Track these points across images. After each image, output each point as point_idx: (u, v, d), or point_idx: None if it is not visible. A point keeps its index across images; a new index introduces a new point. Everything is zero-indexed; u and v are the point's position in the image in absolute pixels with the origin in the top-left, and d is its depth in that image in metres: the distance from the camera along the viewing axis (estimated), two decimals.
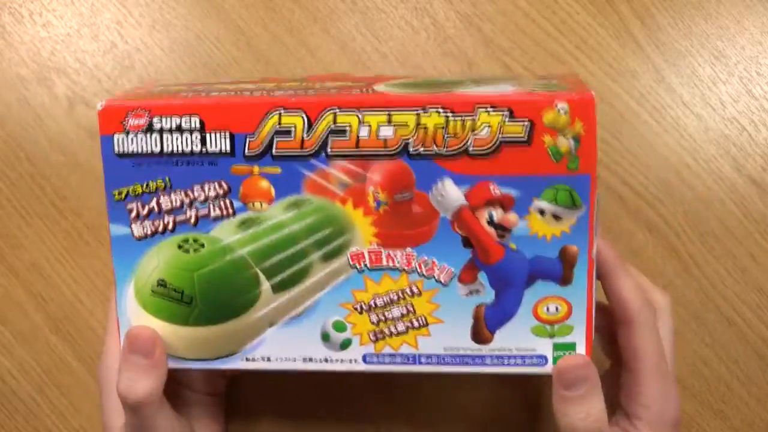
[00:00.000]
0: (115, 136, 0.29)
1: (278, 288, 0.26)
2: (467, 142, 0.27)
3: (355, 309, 0.29)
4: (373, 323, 0.29)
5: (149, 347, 0.30)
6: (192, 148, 0.28)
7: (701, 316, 0.42)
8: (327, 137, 0.27)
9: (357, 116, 0.27)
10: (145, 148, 0.28)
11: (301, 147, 0.28)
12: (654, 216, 0.42)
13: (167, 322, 0.28)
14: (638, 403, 0.32)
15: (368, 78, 0.33)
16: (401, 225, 0.28)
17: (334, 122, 0.27)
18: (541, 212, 0.28)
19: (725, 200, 0.42)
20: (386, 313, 0.29)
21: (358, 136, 0.27)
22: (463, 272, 0.29)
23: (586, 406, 0.30)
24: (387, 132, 0.27)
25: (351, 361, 0.30)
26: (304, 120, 0.27)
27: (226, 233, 0.28)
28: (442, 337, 0.30)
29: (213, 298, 0.28)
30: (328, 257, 0.27)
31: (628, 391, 0.33)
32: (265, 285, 0.26)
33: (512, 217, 0.28)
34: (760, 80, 0.42)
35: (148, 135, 0.28)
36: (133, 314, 0.28)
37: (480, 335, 0.30)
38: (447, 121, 0.27)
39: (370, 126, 0.27)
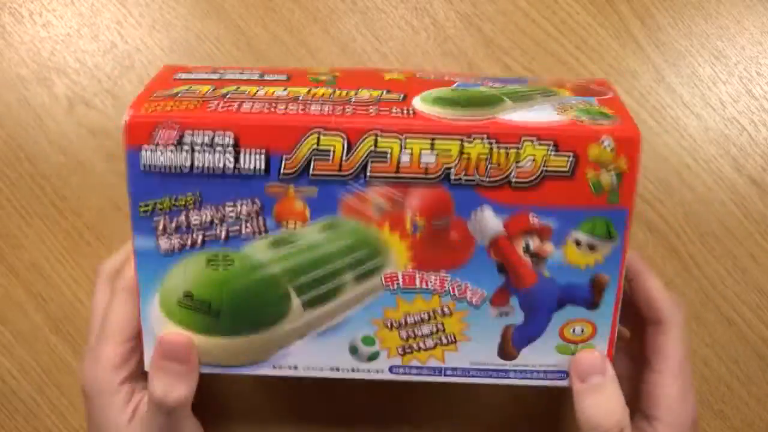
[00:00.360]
0: (143, 151, 0.27)
1: (308, 305, 0.26)
2: (510, 173, 0.27)
3: (385, 325, 0.29)
4: (402, 339, 0.29)
5: (185, 354, 0.30)
6: (225, 165, 0.27)
7: (701, 316, 0.42)
8: (367, 161, 0.27)
9: (399, 141, 0.27)
10: (174, 163, 0.27)
11: (340, 169, 0.27)
12: (654, 216, 0.42)
13: (193, 331, 0.28)
14: (660, 404, 0.32)
15: (401, 83, 0.30)
16: (437, 250, 0.28)
17: (375, 146, 0.27)
18: (577, 243, 0.28)
19: (725, 200, 0.42)
20: (416, 330, 0.29)
21: (398, 162, 0.27)
22: (496, 296, 0.29)
23: (604, 399, 0.31)
24: (429, 159, 0.27)
25: (377, 371, 0.30)
26: (343, 142, 0.27)
27: (257, 251, 0.27)
28: (469, 353, 0.30)
29: (240, 312, 0.27)
30: (360, 278, 0.27)
31: (649, 392, 0.33)
32: (296, 302, 0.26)
33: (548, 247, 0.28)
34: (760, 80, 0.42)
35: (179, 150, 0.27)
36: (158, 323, 0.28)
37: (506, 352, 0.31)
38: (491, 151, 0.27)
39: (411, 151, 0.27)
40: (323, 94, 0.28)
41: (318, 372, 0.29)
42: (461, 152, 0.27)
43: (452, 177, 0.27)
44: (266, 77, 0.30)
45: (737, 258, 0.42)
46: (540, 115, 0.28)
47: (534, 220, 0.28)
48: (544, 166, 0.27)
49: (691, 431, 0.33)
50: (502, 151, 0.27)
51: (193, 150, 0.27)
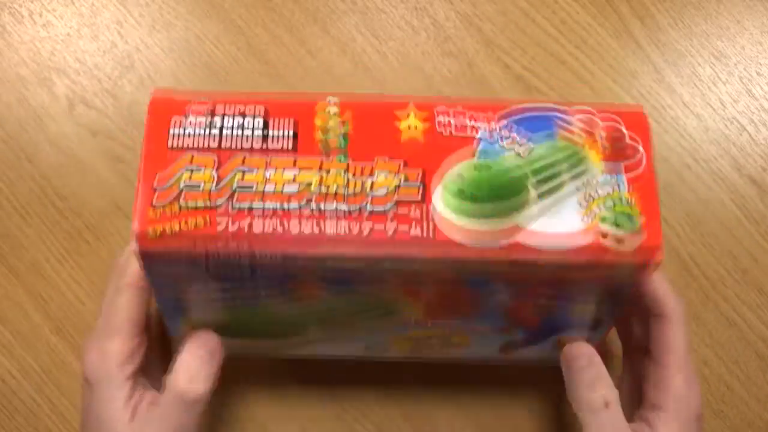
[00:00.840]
0: (159, 264, 0.29)
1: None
2: None
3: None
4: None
5: (216, 347, 0.33)
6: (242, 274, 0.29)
7: (701, 316, 0.42)
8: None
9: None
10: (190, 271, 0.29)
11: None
12: None
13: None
14: (666, 395, 0.33)
15: (419, 147, 0.29)
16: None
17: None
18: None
19: (725, 200, 0.42)
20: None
21: None
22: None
23: (589, 375, 0.33)
24: None
25: None
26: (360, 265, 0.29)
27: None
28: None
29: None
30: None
31: (656, 384, 0.34)
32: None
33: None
34: (760, 80, 0.42)
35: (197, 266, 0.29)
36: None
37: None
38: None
39: None
40: (337, 187, 0.28)
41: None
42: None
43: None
44: (270, 134, 0.28)
45: (737, 258, 0.42)
46: (564, 221, 0.29)
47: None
48: None
49: (696, 423, 0.33)
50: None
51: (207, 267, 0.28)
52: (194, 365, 0.32)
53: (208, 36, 0.42)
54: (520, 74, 0.42)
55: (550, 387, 0.44)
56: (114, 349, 0.32)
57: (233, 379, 0.43)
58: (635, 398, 0.34)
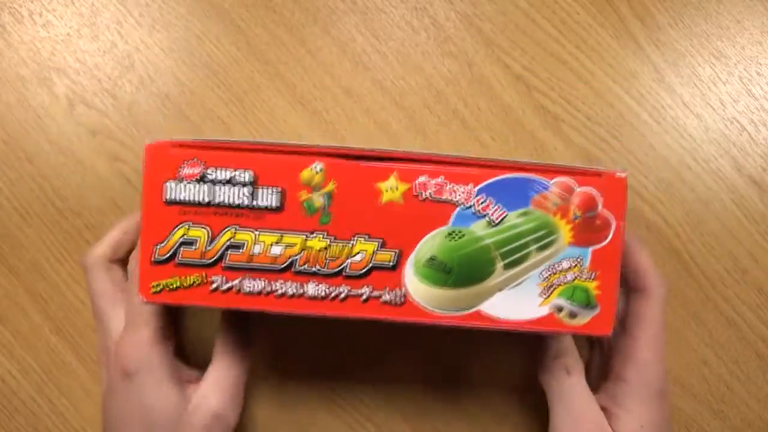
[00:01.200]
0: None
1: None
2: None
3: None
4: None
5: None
6: None
7: (701, 316, 0.42)
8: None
9: None
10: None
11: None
12: (654, 216, 0.42)
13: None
14: (631, 368, 0.34)
15: (398, 211, 0.31)
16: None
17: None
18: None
19: (725, 200, 0.42)
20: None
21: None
22: None
23: (559, 348, 0.36)
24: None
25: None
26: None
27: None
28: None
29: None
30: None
31: (624, 356, 0.35)
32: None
33: None
34: (760, 80, 0.42)
35: None
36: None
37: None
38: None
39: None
40: (319, 254, 0.30)
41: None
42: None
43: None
44: (259, 194, 0.31)
45: (737, 258, 0.42)
46: (524, 293, 0.31)
47: None
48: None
49: (659, 399, 0.34)
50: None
51: None
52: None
53: (208, 36, 0.42)
54: (520, 74, 0.42)
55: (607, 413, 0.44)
56: (145, 337, 0.34)
57: None
58: (604, 372, 0.36)
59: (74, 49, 0.42)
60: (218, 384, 0.35)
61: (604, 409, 0.35)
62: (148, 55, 0.42)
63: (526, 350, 0.43)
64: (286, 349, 0.43)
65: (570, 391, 0.35)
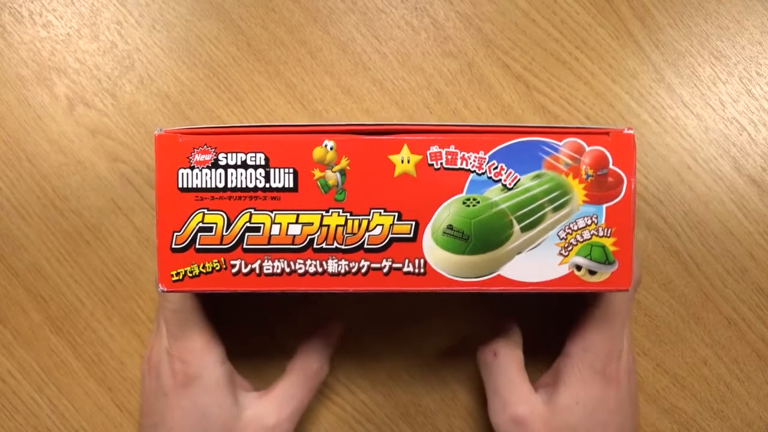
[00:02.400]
0: None
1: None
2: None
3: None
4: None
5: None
6: None
7: (701, 316, 0.42)
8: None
9: None
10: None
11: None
12: (654, 216, 0.42)
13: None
14: (576, 344, 0.36)
15: (412, 182, 0.31)
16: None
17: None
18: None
19: (725, 200, 0.42)
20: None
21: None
22: None
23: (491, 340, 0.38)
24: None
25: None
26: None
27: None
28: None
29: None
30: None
31: (574, 332, 0.36)
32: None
33: None
34: (760, 80, 0.42)
35: None
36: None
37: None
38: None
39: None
40: (337, 231, 0.31)
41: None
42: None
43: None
44: (272, 175, 0.31)
45: (737, 258, 0.42)
46: (543, 254, 0.31)
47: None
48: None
49: (601, 379, 0.35)
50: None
51: None
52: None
53: (208, 36, 0.42)
54: (520, 74, 0.42)
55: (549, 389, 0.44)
56: (202, 343, 0.35)
57: None
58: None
59: (74, 49, 0.42)
60: (282, 401, 0.36)
61: (548, 384, 0.36)
62: (148, 55, 0.42)
63: (526, 349, 0.43)
64: (288, 348, 0.43)
65: (496, 371, 0.36)
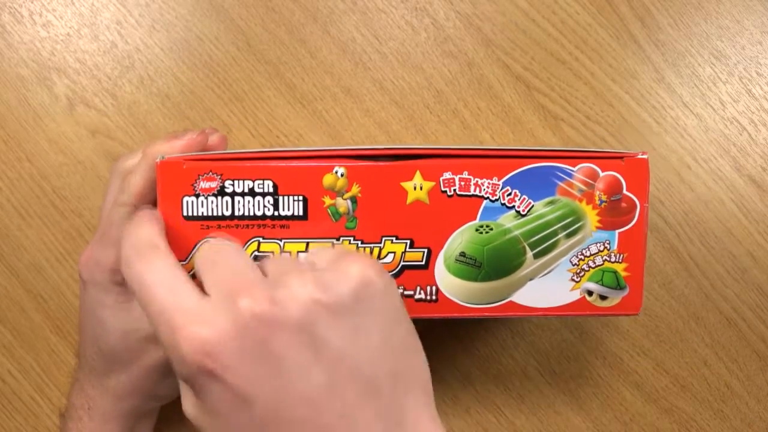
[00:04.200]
0: None
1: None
2: None
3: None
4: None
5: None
6: None
7: (701, 316, 0.42)
8: None
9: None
10: None
11: None
12: (654, 216, 0.42)
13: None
14: None
15: (425, 211, 0.31)
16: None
17: None
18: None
19: (725, 200, 0.42)
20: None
21: None
22: None
23: None
24: None
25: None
26: None
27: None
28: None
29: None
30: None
31: None
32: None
33: None
34: (760, 80, 0.42)
35: None
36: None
37: None
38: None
39: None
40: None
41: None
42: None
43: None
44: (282, 200, 0.30)
45: (737, 258, 0.42)
46: (555, 279, 0.31)
47: None
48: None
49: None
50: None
51: None
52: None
53: (208, 36, 0.42)
54: (520, 74, 0.42)
55: (549, 389, 0.44)
56: (105, 258, 0.33)
57: None
58: None
59: (74, 49, 0.42)
60: None
61: None
62: (148, 55, 0.42)
63: (527, 349, 0.43)
64: None
65: None
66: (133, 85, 0.42)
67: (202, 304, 0.25)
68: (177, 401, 0.42)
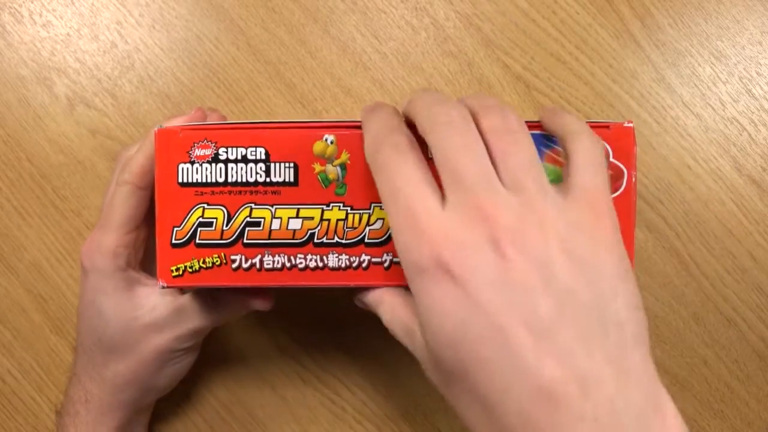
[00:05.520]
0: None
1: None
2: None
3: None
4: None
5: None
6: None
7: (701, 316, 0.42)
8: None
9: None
10: None
11: None
12: (654, 216, 0.42)
13: None
14: None
15: None
16: None
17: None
18: None
19: (725, 200, 0.42)
20: None
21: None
22: None
23: None
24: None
25: None
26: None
27: None
28: None
29: None
30: None
31: None
32: None
33: None
34: (760, 80, 0.42)
35: None
36: None
37: None
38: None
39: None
40: (338, 225, 0.30)
41: None
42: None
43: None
44: (273, 169, 0.30)
45: (737, 258, 0.42)
46: None
47: None
48: None
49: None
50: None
51: None
52: None
53: (208, 36, 0.42)
54: (520, 74, 0.42)
55: None
56: (107, 242, 0.33)
57: (234, 378, 0.43)
58: None
59: (74, 49, 0.42)
60: (169, 300, 0.35)
61: None
62: (148, 55, 0.42)
63: None
64: (288, 349, 0.43)
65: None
66: (133, 85, 0.42)
67: (448, 215, 0.25)
68: (172, 397, 0.42)
